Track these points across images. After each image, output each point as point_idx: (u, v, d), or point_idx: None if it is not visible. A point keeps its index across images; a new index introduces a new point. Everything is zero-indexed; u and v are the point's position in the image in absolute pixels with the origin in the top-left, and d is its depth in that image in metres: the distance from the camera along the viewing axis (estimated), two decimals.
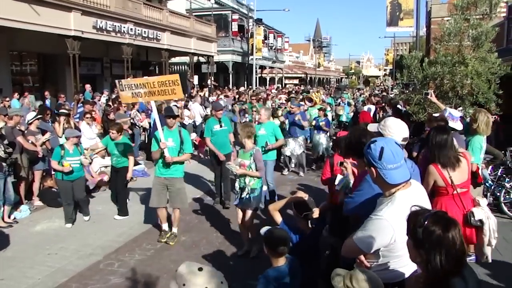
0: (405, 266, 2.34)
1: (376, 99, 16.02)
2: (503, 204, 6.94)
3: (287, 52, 50.31)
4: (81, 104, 11.26)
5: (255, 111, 11.32)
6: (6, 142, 6.69)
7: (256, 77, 34.48)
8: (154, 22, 19.97)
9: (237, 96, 18.97)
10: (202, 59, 27.65)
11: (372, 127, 3.26)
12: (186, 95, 18.84)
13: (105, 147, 7.69)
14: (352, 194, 2.93)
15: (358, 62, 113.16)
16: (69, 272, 5.15)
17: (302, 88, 32.76)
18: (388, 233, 2.23)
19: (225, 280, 1.83)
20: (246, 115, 12.81)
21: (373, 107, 14.24)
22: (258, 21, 34.83)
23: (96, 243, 6.07)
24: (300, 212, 3.54)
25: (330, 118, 12.93)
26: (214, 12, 29.73)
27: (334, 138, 6.67)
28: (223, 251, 5.76)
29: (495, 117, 8.42)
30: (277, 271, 2.99)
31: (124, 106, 11.39)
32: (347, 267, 2.20)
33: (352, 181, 3.37)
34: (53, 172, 7.59)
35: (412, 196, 2.32)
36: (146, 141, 12.36)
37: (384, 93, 26.05)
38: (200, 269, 1.78)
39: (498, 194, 7.05)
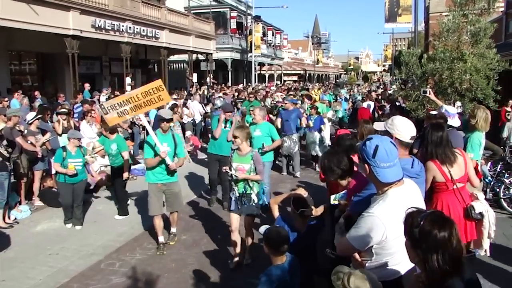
0: (399, 263, 2.35)
1: (375, 95, 16.03)
2: (502, 199, 6.97)
3: (286, 48, 50.12)
4: (80, 104, 11.24)
5: (252, 110, 11.18)
6: (5, 143, 6.68)
7: (255, 74, 34.44)
8: (153, 20, 19.89)
9: (236, 94, 18.93)
10: (201, 57, 27.54)
11: (378, 126, 3.27)
12: (186, 93, 18.86)
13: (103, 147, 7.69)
14: (360, 193, 2.94)
15: (357, 58, 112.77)
16: (71, 272, 5.17)
17: (301, 85, 32.74)
18: (379, 230, 2.25)
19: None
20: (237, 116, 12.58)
21: (372, 104, 14.26)
22: (257, 18, 34.74)
23: (97, 242, 6.09)
24: (297, 208, 3.55)
25: (330, 115, 12.74)
26: (212, 10, 29.64)
27: (333, 136, 6.63)
28: (224, 249, 5.77)
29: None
30: (279, 269, 2.99)
31: None
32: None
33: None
34: (53, 172, 7.59)
35: (405, 194, 2.34)
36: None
37: (382, 90, 26.08)
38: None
39: (498, 189, 7.08)
